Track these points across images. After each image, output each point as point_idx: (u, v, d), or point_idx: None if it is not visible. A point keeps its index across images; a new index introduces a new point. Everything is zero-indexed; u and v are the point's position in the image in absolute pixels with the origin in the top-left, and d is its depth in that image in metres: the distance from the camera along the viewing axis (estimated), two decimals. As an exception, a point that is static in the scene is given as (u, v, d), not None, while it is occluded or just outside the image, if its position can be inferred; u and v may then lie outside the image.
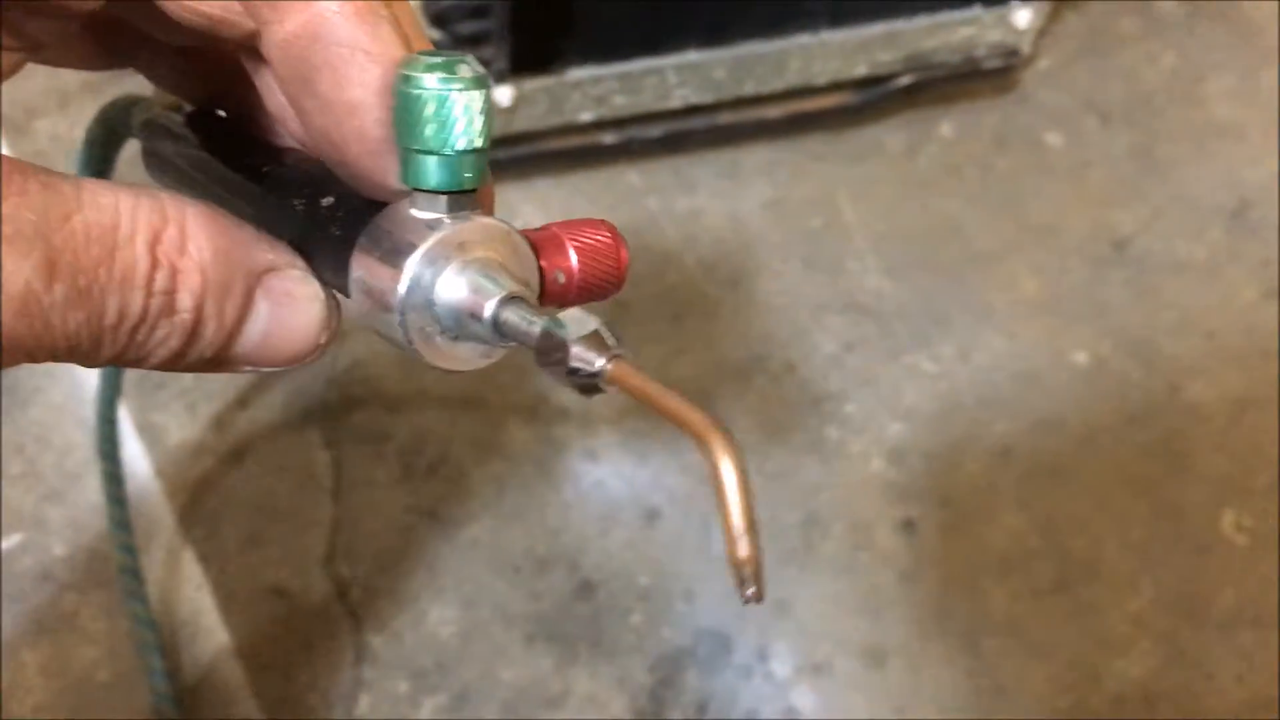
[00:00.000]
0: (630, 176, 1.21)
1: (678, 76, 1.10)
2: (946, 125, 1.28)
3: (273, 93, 0.38)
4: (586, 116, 1.10)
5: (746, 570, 0.26)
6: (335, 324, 0.35)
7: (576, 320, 0.31)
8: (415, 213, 0.32)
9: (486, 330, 0.32)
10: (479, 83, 0.31)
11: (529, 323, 0.31)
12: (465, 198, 0.32)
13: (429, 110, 0.30)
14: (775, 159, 1.24)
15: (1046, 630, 1.06)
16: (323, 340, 0.34)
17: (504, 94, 1.05)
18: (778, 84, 1.14)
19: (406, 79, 0.31)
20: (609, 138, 1.14)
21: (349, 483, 1.05)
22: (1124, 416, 1.16)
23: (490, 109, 0.32)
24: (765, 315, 1.18)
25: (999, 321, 1.19)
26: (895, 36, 1.14)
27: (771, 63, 1.12)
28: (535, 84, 1.06)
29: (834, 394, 1.14)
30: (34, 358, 0.28)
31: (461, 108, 0.31)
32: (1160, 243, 1.25)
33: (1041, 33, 1.23)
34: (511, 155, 1.11)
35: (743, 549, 0.26)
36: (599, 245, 0.35)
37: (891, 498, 1.10)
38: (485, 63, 1.03)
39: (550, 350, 0.31)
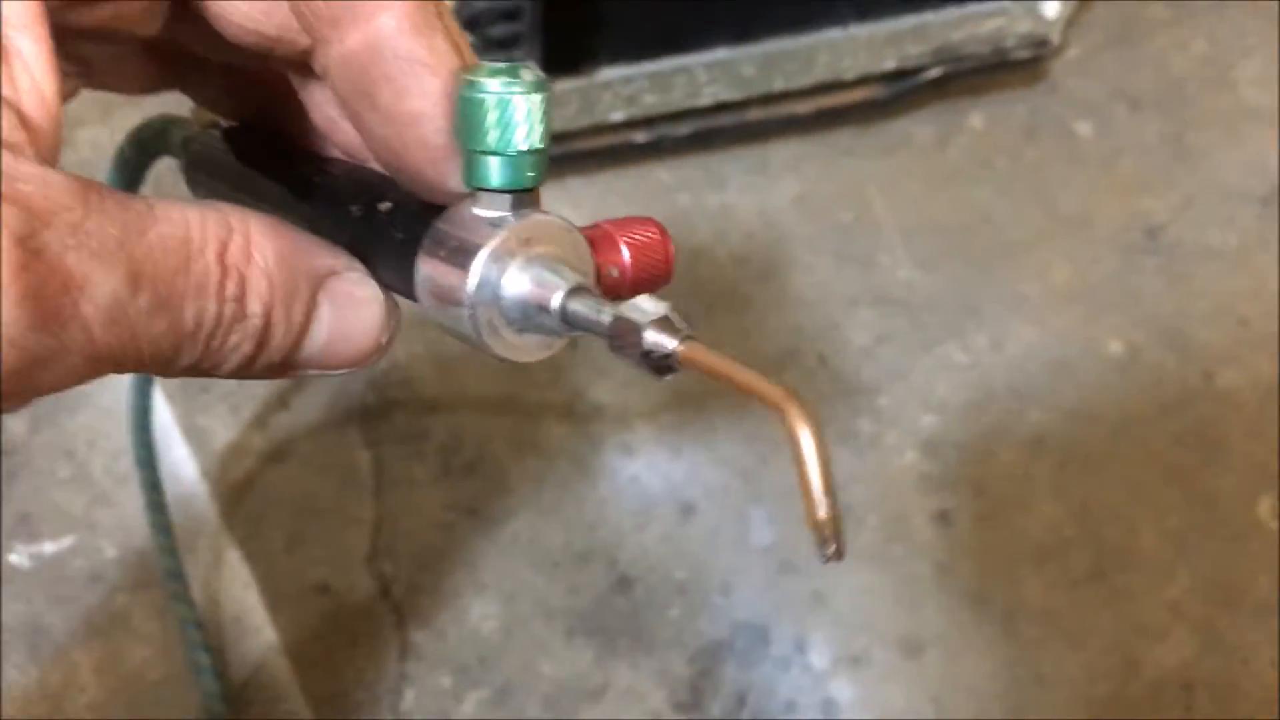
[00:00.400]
0: (661, 174, 1.22)
1: (707, 74, 1.11)
2: (976, 117, 1.28)
3: (319, 107, 0.39)
4: (617, 116, 1.11)
5: (827, 531, 0.28)
6: (395, 325, 0.36)
7: (643, 306, 0.33)
8: (479, 212, 0.34)
9: (554, 321, 0.33)
10: (540, 86, 0.33)
11: (598, 311, 0.33)
12: (527, 196, 0.34)
13: (493, 114, 0.32)
14: (804, 154, 1.25)
15: (1083, 619, 1.07)
16: (384, 341, 0.35)
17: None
18: (806, 79, 1.15)
19: (471, 84, 0.32)
20: (640, 136, 1.15)
21: (389, 481, 1.07)
22: (1158, 405, 1.16)
23: (550, 111, 0.33)
24: (797, 309, 1.19)
25: (1031, 311, 1.20)
26: (923, 29, 1.15)
27: (800, 58, 1.13)
28: (567, 85, 1.07)
29: (867, 386, 1.15)
30: (121, 366, 0.30)
31: (524, 111, 0.32)
32: (1192, 230, 1.25)
33: (1070, 22, 1.23)
34: (544, 155, 1.12)
35: (823, 511, 0.27)
36: (649, 242, 0.37)
37: (926, 489, 1.11)
38: (517, 65, 1.04)
39: (623, 335, 0.32)
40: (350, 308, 0.34)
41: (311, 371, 0.35)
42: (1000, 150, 1.27)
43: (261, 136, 0.42)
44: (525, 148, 0.33)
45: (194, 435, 1.06)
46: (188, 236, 0.30)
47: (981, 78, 1.24)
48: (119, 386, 0.98)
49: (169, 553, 0.93)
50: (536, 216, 0.34)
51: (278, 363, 0.34)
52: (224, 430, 1.07)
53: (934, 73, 1.18)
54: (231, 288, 0.31)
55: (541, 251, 0.34)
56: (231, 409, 1.08)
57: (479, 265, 0.33)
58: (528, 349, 0.35)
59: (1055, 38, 1.19)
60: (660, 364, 0.32)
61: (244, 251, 0.31)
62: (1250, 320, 1.21)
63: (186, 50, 0.38)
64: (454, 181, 0.34)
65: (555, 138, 1.14)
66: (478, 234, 0.33)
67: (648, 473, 1.10)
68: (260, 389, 1.07)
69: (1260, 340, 1.20)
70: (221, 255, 0.31)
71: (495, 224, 0.33)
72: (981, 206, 1.24)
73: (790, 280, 1.20)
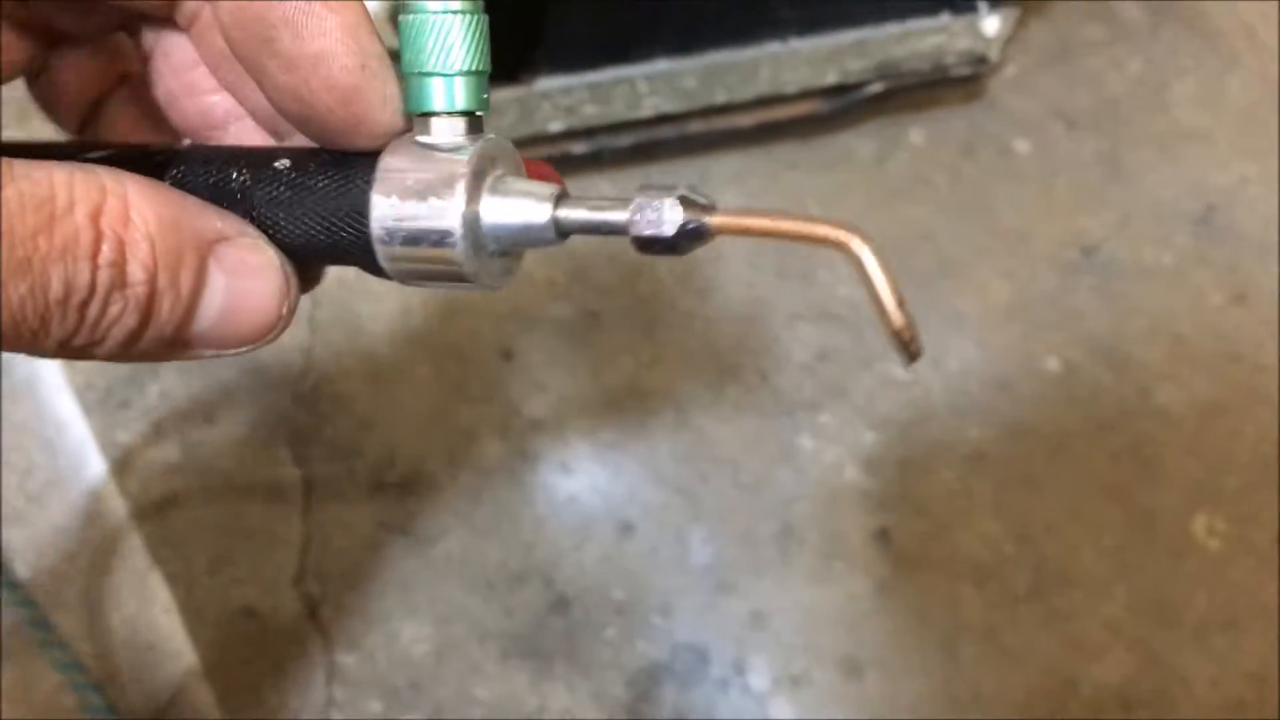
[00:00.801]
0: (601, 186, 1.20)
1: (648, 85, 1.09)
2: (916, 133, 1.28)
3: (163, 78, 0.38)
4: (556, 126, 1.09)
5: (905, 335, 0.29)
6: (295, 296, 0.34)
7: (649, 193, 0.32)
8: (428, 140, 0.32)
9: (545, 232, 0.32)
10: (476, 8, 0.32)
11: (599, 209, 0.32)
12: (477, 120, 0.33)
13: (436, 32, 0.31)
14: (747, 167, 1.24)
15: (1023, 637, 1.06)
16: (284, 312, 0.33)
17: (473, 104, 1.04)
18: (748, 92, 1.14)
19: (409, 7, 0.31)
20: (579, 147, 1.13)
21: (319, 500, 1.03)
22: (1095, 422, 1.16)
23: (487, 35, 0.33)
24: (738, 325, 1.17)
25: (970, 328, 1.19)
26: (865, 45, 1.14)
27: (742, 71, 1.11)
28: (504, 94, 1.05)
29: (808, 403, 1.14)
30: None
31: (466, 29, 0.32)
32: (1128, 248, 1.26)
33: (1009, 40, 1.23)
34: (480, 166, 1.10)
35: (898, 319, 0.29)
36: (552, 176, 0.36)
37: (867, 507, 1.10)
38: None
39: (646, 220, 0.31)
40: (245, 275, 0.32)
41: (208, 351, 0.33)
42: (940, 167, 1.27)
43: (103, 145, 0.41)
44: (474, 67, 0.32)
45: (112, 451, 1.02)
46: (51, 195, 0.28)
47: (922, 94, 1.24)
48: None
49: (26, 603, 0.88)
50: (491, 137, 0.33)
51: (168, 338, 0.31)
52: (145, 446, 1.03)
53: (875, 88, 1.18)
54: (108, 251, 0.29)
55: (503, 172, 0.33)
56: (153, 424, 1.04)
57: (460, 193, 0.32)
58: (499, 274, 0.34)
59: (994, 55, 1.19)
60: (691, 236, 0.31)
61: (120, 214, 0.29)
62: (1186, 338, 1.22)
63: (50, 27, 0.36)
64: (372, 120, 0.32)
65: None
66: (443, 164, 0.32)
67: (586, 491, 1.08)
68: (184, 403, 1.04)
69: (1196, 358, 1.20)
70: (95, 217, 0.29)
71: (454, 150, 0.32)
72: (922, 223, 1.24)
73: (731, 296, 1.18)
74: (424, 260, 0.32)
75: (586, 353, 1.13)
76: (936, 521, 1.10)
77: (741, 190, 1.23)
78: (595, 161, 1.16)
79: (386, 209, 0.32)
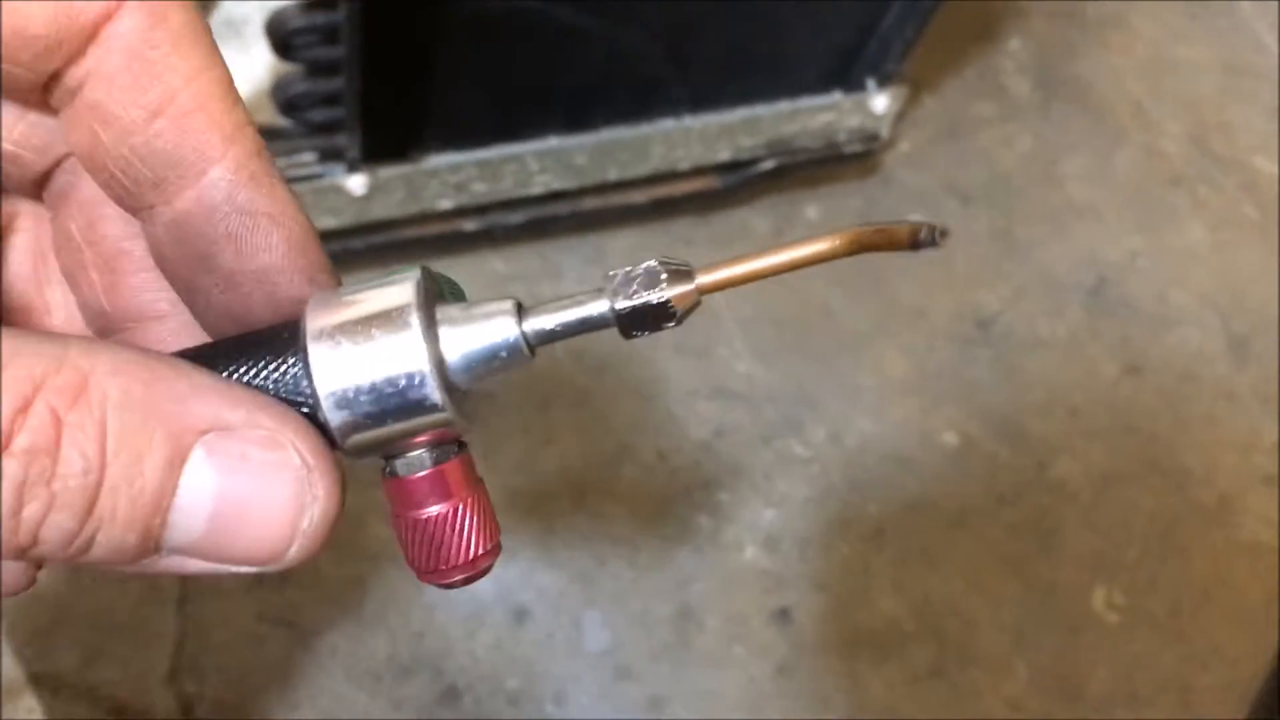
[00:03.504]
0: (495, 263, 1.18)
1: (539, 163, 1.08)
2: (812, 208, 1.29)
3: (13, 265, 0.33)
4: (446, 204, 1.08)
5: (924, 240, 0.28)
6: (327, 505, 0.27)
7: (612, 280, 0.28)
8: (347, 293, 0.28)
9: (516, 351, 0.28)
10: None
11: (573, 304, 0.28)
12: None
13: None
14: (642, 243, 1.23)
15: (925, 716, 1.04)
16: (304, 526, 0.26)
17: (358, 182, 1.02)
18: (641, 169, 1.13)
19: None
20: (470, 224, 1.11)
21: (196, 592, 0.99)
22: (993, 496, 1.16)
23: None
24: (635, 402, 1.16)
25: (869, 404, 1.19)
26: (756, 122, 1.14)
27: (634, 148, 1.11)
28: (391, 171, 1.03)
29: (706, 481, 1.12)
30: None
31: None
32: (1023, 321, 1.27)
33: (900, 117, 1.24)
34: (368, 244, 1.08)
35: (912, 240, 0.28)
36: None
37: (766, 585, 1.08)
38: (337, 151, 1.00)
39: (632, 294, 0.28)
40: (245, 474, 0.25)
41: (197, 564, 0.26)
42: (836, 242, 1.27)
43: None
44: None
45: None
46: None
47: (816, 170, 1.25)
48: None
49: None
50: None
51: (132, 547, 0.25)
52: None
53: (768, 164, 1.18)
54: (28, 437, 0.23)
55: (445, 298, 0.29)
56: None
57: (415, 324, 0.27)
58: (470, 416, 0.29)
59: (885, 132, 1.20)
60: (682, 308, 0.28)
61: (71, 390, 0.23)
62: (1081, 410, 1.22)
63: None
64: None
65: (380, 225, 1.09)
66: (381, 299, 0.27)
67: (477, 576, 1.04)
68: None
69: (1091, 430, 1.21)
70: (28, 394, 0.23)
71: (389, 284, 0.28)
72: (818, 298, 1.24)
73: (627, 372, 1.17)
74: (392, 421, 0.27)
75: (479, 432, 1.10)
76: (837, 599, 1.09)
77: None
78: (488, 238, 1.15)
79: (332, 366, 0.27)
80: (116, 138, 0.28)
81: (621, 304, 0.28)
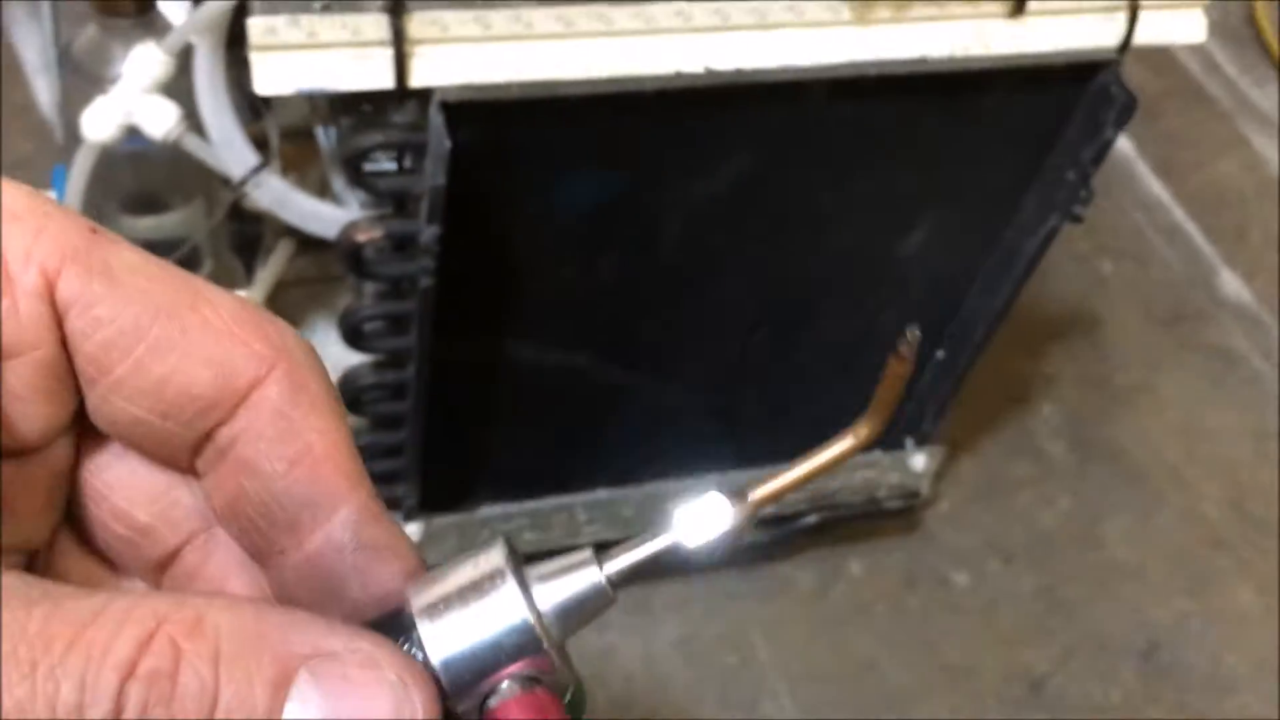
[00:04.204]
0: (540, 613, 1.19)
1: (587, 513, 1.12)
2: (855, 563, 1.30)
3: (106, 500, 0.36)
4: (496, 553, 1.10)
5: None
6: (429, 715, 0.29)
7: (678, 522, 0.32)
8: (443, 572, 0.31)
9: (602, 593, 0.31)
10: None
11: (643, 543, 0.31)
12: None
13: None
14: (688, 595, 1.24)
15: None
16: None
17: (413, 530, 1.05)
18: (686, 522, 1.16)
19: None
20: (518, 574, 1.13)
21: None
22: None
23: None
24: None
25: (920, 768, 1.15)
26: (799, 478, 1.18)
27: (680, 501, 1.14)
28: (445, 520, 1.07)
29: None
30: None
31: None
32: (1075, 684, 1.24)
33: (939, 476, 1.28)
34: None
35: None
36: None
37: None
38: (396, 501, 1.05)
39: (698, 524, 0.31)
40: (347, 693, 0.28)
41: None
42: (880, 597, 1.28)
43: None
44: None
45: None
46: (101, 609, 0.26)
47: (858, 525, 1.27)
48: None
49: None
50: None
51: None
52: None
53: (811, 519, 1.21)
54: (151, 661, 0.26)
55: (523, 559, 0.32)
56: None
57: (511, 583, 0.30)
58: (570, 666, 0.32)
59: (925, 489, 1.24)
60: (736, 533, 0.31)
61: (187, 625, 0.26)
62: (1142, 781, 1.17)
63: None
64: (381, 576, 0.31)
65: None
66: (475, 568, 0.30)
67: None
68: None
69: (1155, 803, 1.16)
70: (149, 629, 0.26)
71: (478, 554, 0.31)
72: (865, 654, 1.23)
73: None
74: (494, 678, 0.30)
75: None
76: None
77: (684, 618, 1.22)
78: (535, 588, 1.16)
79: (439, 636, 0.30)
80: (260, 486, 0.31)
81: (690, 531, 0.31)
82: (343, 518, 0.31)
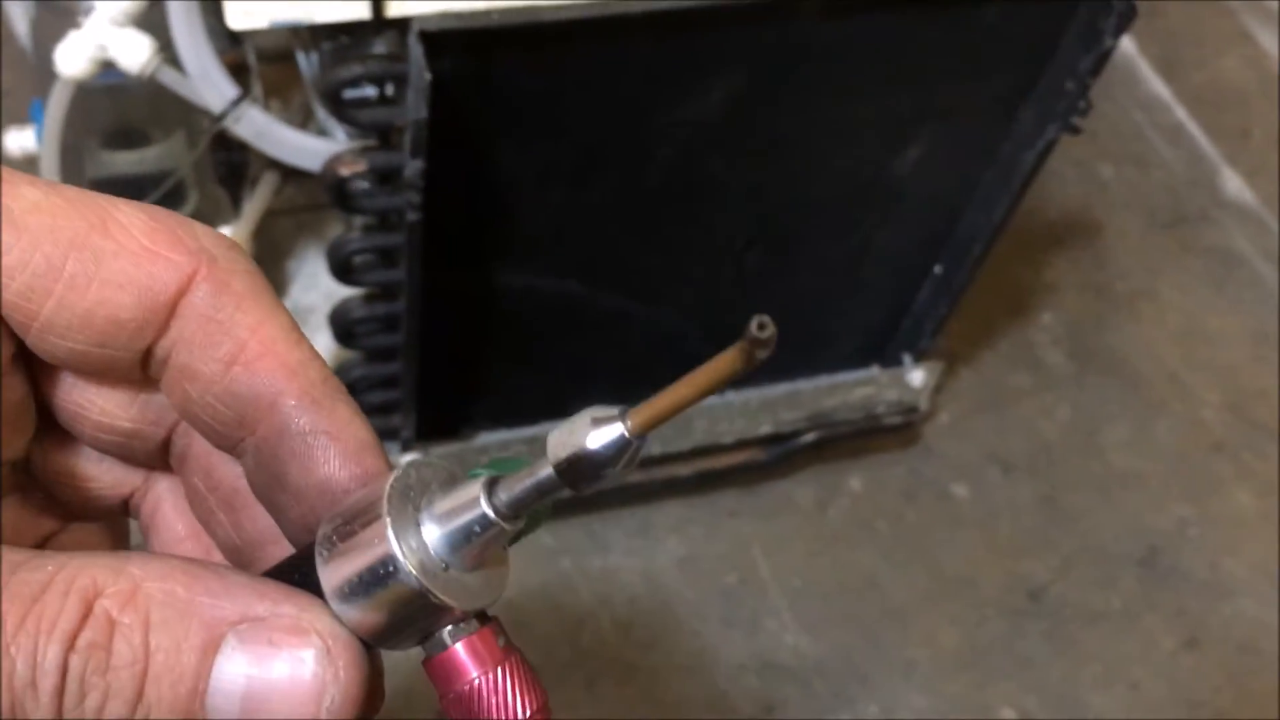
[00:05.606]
0: (542, 537, 1.20)
1: (586, 439, 1.11)
2: (855, 479, 1.30)
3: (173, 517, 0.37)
4: (495, 480, 1.10)
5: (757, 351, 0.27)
6: (349, 685, 0.29)
7: (558, 439, 0.29)
8: (354, 499, 0.31)
9: (487, 523, 0.30)
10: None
11: (534, 475, 0.29)
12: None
13: None
14: (688, 516, 1.24)
15: None
16: (328, 703, 0.29)
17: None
18: (685, 443, 1.16)
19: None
20: (519, 500, 1.14)
21: None
22: (1056, 777, 1.12)
23: None
24: (683, 678, 1.14)
25: (921, 678, 1.17)
26: (797, 396, 1.18)
27: (676, 423, 1.14)
28: (442, 450, 1.07)
29: (755, 762, 1.09)
30: None
31: None
32: (1075, 592, 1.25)
33: (938, 390, 1.27)
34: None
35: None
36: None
37: None
38: (393, 430, 1.04)
39: (562, 447, 0.29)
40: (272, 657, 0.29)
41: None
42: (880, 513, 1.28)
43: None
44: None
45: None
46: (47, 582, 0.28)
47: (858, 442, 1.27)
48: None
49: None
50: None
51: None
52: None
53: (810, 437, 1.21)
54: (89, 633, 0.27)
55: (432, 486, 0.31)
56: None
57: (384, 515, 0.29)
58: (480, 590, 0.31)
59: (924, 404, 1.23)
60: (628, 456, 0.29)
61: (124, 595, 0.28)
62: (1140, 684, 1.19)
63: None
64: None
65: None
66: (361, 498, 0.30)
67: None
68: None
69: (1152, 705, 1.17)
70: (88, 600, 0.28)
71: (382, 483, 0.30)
72: (865, 569, 1.23)
73: (676, 647, 1.16)
74: (390, 608, 0.30)
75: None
76: None
77: (685, 538, 1.23)
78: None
79: (335, 571, 0.30)
80: (202, 389, 0.32)
81: (558, 456, 0.29)
82: (282, 406, 0.32)
